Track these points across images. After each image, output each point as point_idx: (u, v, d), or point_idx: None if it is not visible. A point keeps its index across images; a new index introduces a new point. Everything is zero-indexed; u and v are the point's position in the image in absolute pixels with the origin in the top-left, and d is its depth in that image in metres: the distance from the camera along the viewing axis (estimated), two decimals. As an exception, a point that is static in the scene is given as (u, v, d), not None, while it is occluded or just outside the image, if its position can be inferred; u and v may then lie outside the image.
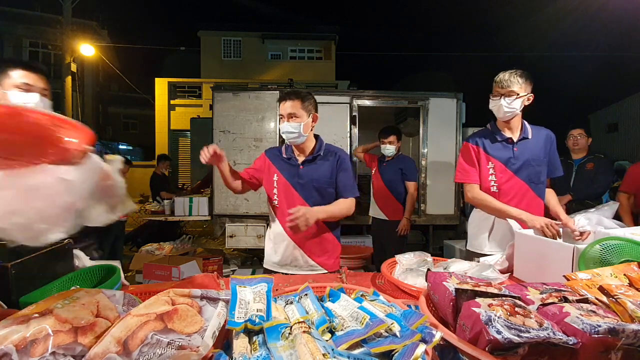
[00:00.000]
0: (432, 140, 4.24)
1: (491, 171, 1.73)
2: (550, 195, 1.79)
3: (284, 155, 1.69)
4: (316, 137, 1.72)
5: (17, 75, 1.31)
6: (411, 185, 3.22)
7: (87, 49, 9.58)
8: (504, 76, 1.66)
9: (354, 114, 4.19)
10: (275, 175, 1.67)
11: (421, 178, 4.31)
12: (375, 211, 3.38)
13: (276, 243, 1.67)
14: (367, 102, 4.25)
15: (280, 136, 4.06)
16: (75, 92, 9.43)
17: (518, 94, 1.64)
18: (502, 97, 1.65)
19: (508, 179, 1.71)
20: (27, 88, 1.31)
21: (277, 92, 4.13)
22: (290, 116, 1.59)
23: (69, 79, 9.07)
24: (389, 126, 3.41)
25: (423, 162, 4.28)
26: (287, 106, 1.59)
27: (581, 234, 1.40)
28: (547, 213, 1.73)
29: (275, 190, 1.67)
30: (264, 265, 1.74)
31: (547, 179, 1.78)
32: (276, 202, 1.67)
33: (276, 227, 1.68)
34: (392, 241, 3.25)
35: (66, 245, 1.16)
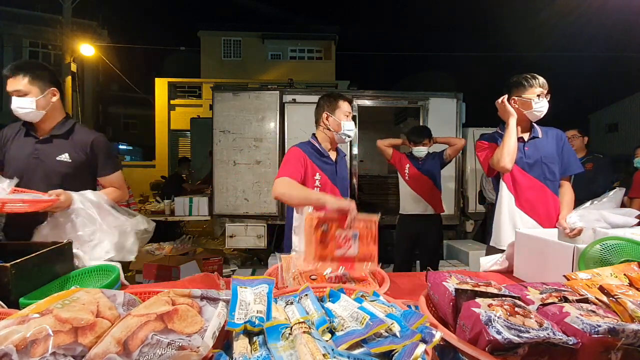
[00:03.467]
0: (432, 141, 4.23)
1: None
2: (564, 192, 1.79)
3: (324, 154, 1.76)
4: None
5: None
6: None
7: (87, 49, 9.57)
8: (541, 78, 1.70)
9: (354, 114, 4.18)
10: (318, 174, 1.71)
11: (421, 178, 4.30)
12: (420, 208, 3.18)
13: None
14: (367, 102, 4.25)
15: (280, 135, 4.06)
16: (75, 92, 9.42)
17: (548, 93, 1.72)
18: (544, 97, 1.69)
19: (521, 176, 1.74)
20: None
21: (277, 92, 4.13)
22: (351, 115, 1.75)
23: (69, 79, 9.05)
24: (422, 127, 3.33)
25: (423, 162, 4.28)
26: (348, 105, 1.75)
27: (572, 230, 1.42)
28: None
29: (317, 188, 1.72)
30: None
31: (567, 176, 1.80)
32: None
33: None
34: (434, 235, 3.20)
35: (66, 245, 1.16)
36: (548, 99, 1.70)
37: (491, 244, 1.86)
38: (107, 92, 19.01)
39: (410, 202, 3.25)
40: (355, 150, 4.25)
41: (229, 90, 4.14)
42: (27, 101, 1.44)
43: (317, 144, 1.77)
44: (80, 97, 11.22)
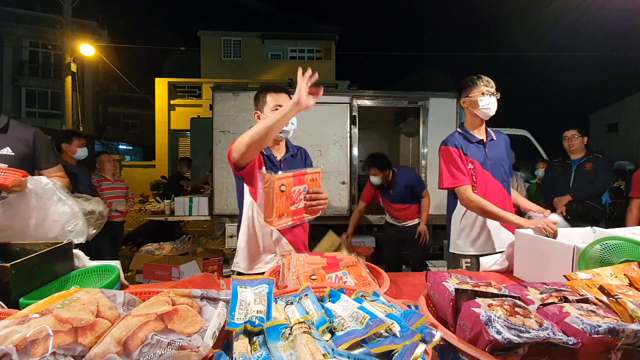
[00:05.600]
0: (432, 140, 4.24)
1: (472, 172, 1.77)
2: (516, 194, 1.90)
3: (264, 152, 1.57)
4: None
5: None
6: (424, 193, 3.27)
7: (87, 49, 9.58)
8: (486, 77, 1.77)
9: (354, 114, 4.19)
10: (264, 168, 1.51)
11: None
12: (391, 219, 3.44)
13: (267, 244, 1.54)
14: (367, 102, 4.25)
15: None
16: (75, 92, 9.42)
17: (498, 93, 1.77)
18: (492, 95, 1.75)
19: (486, 180, 1.77)
20: None
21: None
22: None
23: (69, 79, 9.06)
24: (372, 155, 3.25)
25: (423, 162, 4.28)
26: (285, 99, 1.52)
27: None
28: (518, 210, 1.83)
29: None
30: (245, 271, 1.56)
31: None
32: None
33: (265, 227, 1.50)
34: (415, 240, 3.31)
35: (66, 245, 1.16)
36: (498, 98, 1.77)
37: (452, 250, 1.87)
38: (107, 92, 19.02)
39: (388, 217, 3.49)
40: (355, 151, 4.25)
41: (229, 90, 4.14)
42: None
43: None
44: (80, 97, 11.21)
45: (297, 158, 1.70)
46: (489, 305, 0.65)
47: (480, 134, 1.84)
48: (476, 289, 0.75)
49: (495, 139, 1.85)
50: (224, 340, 0.67)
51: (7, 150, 1.57)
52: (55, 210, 1.43)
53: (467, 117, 1.87)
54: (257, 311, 0.68)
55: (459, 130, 1.87)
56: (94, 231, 1.67)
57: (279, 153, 1.65)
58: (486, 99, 1.74)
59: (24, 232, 1.38)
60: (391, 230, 3.46)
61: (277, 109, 1.48)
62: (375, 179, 3.16)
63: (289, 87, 4.95)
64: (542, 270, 1.25)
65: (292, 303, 0.78)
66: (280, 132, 1.53)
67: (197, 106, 14.15)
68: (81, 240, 1.47)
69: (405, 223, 3.36)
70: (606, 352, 0.58)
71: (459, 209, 1.82)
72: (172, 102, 14.39)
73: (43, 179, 1.49)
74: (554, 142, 3.68)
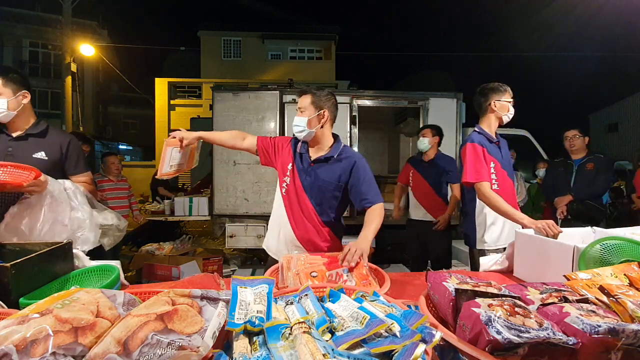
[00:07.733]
0: (432, 140, 4.23)
1: (492, 170, 1.86)
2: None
3: (299, 150, 1.66)
4: (335, 137, 1.68)
5: None
6: (455, 187, 3.04)
7: (87, 49, 9.57)
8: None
9: (354, 114, 4.19)
10: (290, 164, 1.66)
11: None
12: (418, 213, 3.19)
13: (282, 231, 1.68)
14: (367, 102, 4.25)
15: (280, 135, 4.05)
16: (75, 92, 9.42)
17: None
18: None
19: (504, 178, 1.88)
20: None
21: (277, 92, 4.13)
22: (300, 110, 1.61)
23: (69, 79, 9.06)
24: (429, 124, 3.35)
25: (423, 162, 4.28)
26: (300, 100, 1.63)
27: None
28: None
29: (287, 179, 1.66)
30: (268, 249, 1.75)
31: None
32: (284, 190, 1.67)
33: (283, 217, 1.67)
34: (438, 241, 3.12)
35: (66, 245, 1.16)
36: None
37: (485, 247, 1.92)
38: (107, 92, 19.02)
39: (412, 207, 3.27)
40: (355, 151, 4.25)
41: (229, 90, 4.14)
42: None
43: (300, 141, 1.67)
44: (80, 97, 11.21)
45: (334, 164, 1.62)
46: (489, 305, 0.65)
47: (494, 135, 1.95)
48: (476, 289, 0.75)
49: (500, 140, 1.96)
50: (224, 340, 0.67)
51: (41, 155, 1.61)
52: (67, 214, 1.44)
53: (487, 119, 1.94)
54: (257, 311, 0.68)
55: (477, 130, 1.94)
56: (111, 241, 1.69)
57: (316, 153, 1.66)
58: (511, 108, 1.89)
59: (31, 233, 1.38)
60: (412, 228, 3.26)
61: (297, 112, 1.63)
62: (424, 141, 3.07)
63: (288, 87, 4.96)
64: (542, 270, 1.25)
65: (292, 303, 0.78)
66: (294, 132, 1.63)
67: (197, 106, 14.12)
68: (86, 248, 1.47)
69: (424, 217, 3.13)
70: (606, 352, 0.58)
71: (481, 205, 1.91)
72: (172, 102, 14.36)
73: (67, 182, 1.50)
74: (554, 142, 3.67)
